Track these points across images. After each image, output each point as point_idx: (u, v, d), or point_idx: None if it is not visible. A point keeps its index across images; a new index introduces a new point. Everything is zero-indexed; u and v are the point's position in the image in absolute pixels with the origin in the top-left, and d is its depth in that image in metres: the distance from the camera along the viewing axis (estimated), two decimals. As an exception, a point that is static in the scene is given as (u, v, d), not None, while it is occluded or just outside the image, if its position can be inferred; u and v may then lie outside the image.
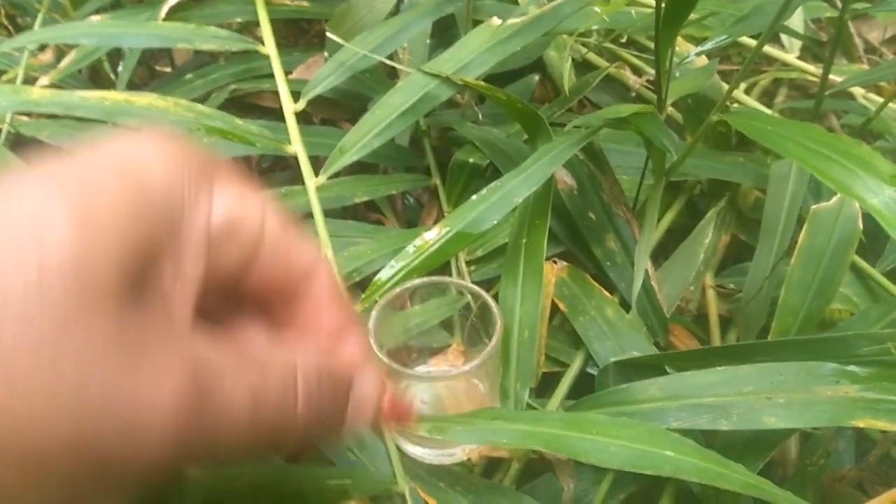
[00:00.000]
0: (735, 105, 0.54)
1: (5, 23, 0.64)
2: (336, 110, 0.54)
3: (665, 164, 0.40)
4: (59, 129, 0.50)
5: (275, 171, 0.56)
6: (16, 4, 0.63)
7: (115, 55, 0.58)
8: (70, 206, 0.17)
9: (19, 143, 0.52)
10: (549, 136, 0.41)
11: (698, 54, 0.42)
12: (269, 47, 0.47)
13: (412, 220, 0.53)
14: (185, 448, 0.19)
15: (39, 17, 0.59)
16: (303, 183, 0.45)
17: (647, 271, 0.42)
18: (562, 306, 0.42)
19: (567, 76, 0.54)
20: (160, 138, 0.22)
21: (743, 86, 0.59)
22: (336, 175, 0.49)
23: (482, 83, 0.42)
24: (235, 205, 0.22)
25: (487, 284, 0.44)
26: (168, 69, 0.63)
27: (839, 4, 0.43)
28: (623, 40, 0.60)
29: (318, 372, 0.23)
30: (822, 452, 0.41)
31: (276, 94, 0.48)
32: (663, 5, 0.35)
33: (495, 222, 0.39)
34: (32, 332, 0.16)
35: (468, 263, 0.47)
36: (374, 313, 0.37)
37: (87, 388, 0.17)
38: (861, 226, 0.38)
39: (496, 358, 0.38)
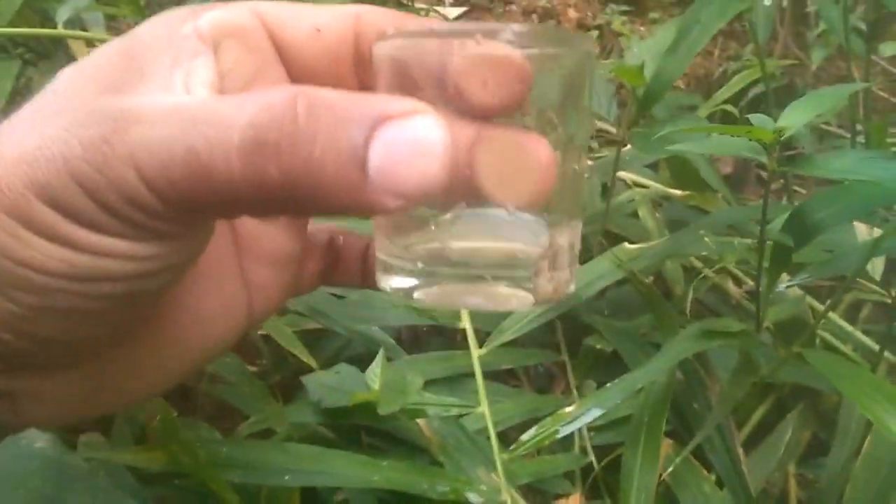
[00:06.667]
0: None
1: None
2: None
3: (758, 372, 0.51)
4: None
5: (432, 334, 0.70)
6: None
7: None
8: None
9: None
10: (675, 329, 0.53)
11: (788, 286, 0.54)
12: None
13: (542, 387, 0.64)
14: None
15: None
16: (457, 349, 0.59)
17: (739, 457, 0.52)
18: (667, 478, 0.52)
19: (680, 281, 0.66)
20: None
21: (829, 302, 0.70)
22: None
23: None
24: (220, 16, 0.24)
25: (606, 449, 0.55)
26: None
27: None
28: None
29: (323, 96, 0.20)
30: None
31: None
32: (765, 262, 0.48)
33: (618, 402, 0.50)
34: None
35: (590, 429, 0.58)
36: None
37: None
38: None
39: None
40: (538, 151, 0.22)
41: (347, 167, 0.19)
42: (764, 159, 0.43)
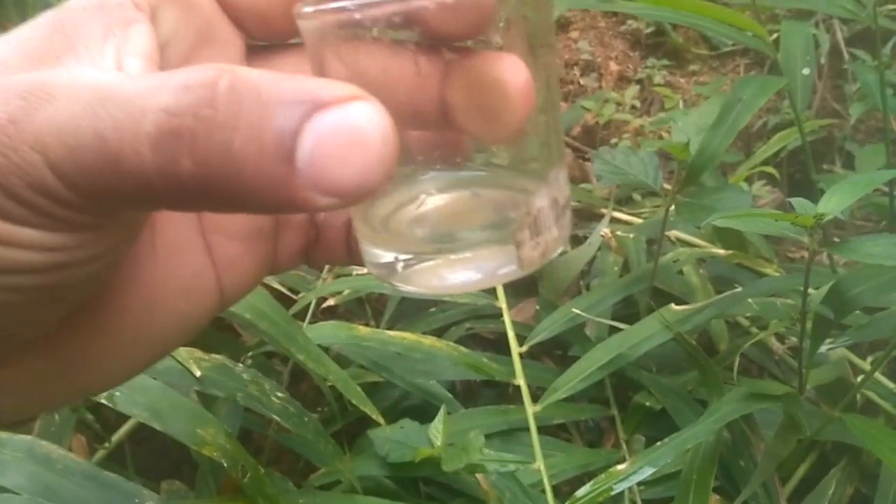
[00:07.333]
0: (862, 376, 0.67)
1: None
2: (543, 348, 0.72)
3: (802, 431, 0.54)
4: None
5: (484, 387, 0.73)
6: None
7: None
8: None
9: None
10: (720, 391, 0.56)
11: (829, 349, 0.57)
12: (502, 301, 0.66)
13: (593, 440, 0.67)
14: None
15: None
16: (509, 402, 0.62)
17: (784, 514, 0.55)
18: (714, 532, 0.55)
19: (724, 338, 0.69)
20: None
21: (870, 358, 0.72)
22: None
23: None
24: None
25: (654, 504, 0.58)
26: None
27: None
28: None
29: (249, 77, 0.18)
30: None
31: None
32: (808, 324, 0.51)
33: (669, 461, 0.53)
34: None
35: (639, 484, 0.61)
36: None
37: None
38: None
39: None
40: (513, 71, 0.21)
41: (272, 160, 0.17)
42: (805, 239, 0.47)
